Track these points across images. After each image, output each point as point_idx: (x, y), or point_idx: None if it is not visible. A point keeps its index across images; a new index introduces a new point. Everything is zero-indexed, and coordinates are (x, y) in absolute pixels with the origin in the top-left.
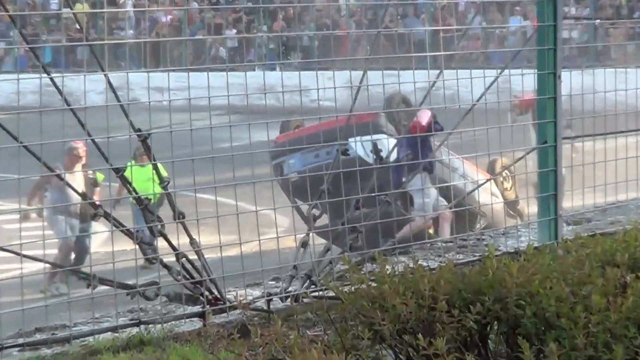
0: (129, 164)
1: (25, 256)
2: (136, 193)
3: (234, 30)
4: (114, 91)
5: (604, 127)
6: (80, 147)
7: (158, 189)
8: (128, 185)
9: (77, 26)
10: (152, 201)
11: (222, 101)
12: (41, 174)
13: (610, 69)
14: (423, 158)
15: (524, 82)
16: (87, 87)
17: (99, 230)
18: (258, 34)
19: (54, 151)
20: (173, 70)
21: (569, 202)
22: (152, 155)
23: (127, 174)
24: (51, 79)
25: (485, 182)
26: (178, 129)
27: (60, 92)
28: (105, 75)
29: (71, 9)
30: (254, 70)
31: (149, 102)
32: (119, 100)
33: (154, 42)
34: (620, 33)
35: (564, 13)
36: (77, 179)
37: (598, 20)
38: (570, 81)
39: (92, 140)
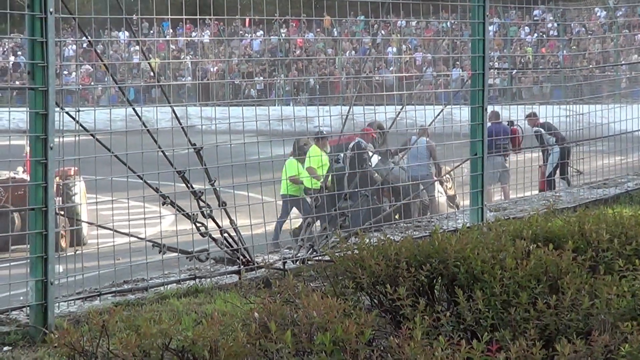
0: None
1: (117, 231)
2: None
3: (261, 77)
4: (177, 118)
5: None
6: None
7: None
8: (187, 184)
9: (152, 73)
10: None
11: (252, 126)
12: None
13: (521, 105)
14: None
15: (462, 113)
16: (158, 117)
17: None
18: (277, 79)
19: (135, 161)
20: (218, 105)
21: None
22: (204, 162)
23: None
24: (133, 108)
25: (433, 182)
26: (222, 143)
27: (140, 117)
28: (171, 106)
29: (147, 61)
30: (275, 105)
31: (202, 127)
32: (180, 124)
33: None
34: (529, 80)
35: (489, 65)
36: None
37: (515, 71)
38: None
39: (162, 152)
